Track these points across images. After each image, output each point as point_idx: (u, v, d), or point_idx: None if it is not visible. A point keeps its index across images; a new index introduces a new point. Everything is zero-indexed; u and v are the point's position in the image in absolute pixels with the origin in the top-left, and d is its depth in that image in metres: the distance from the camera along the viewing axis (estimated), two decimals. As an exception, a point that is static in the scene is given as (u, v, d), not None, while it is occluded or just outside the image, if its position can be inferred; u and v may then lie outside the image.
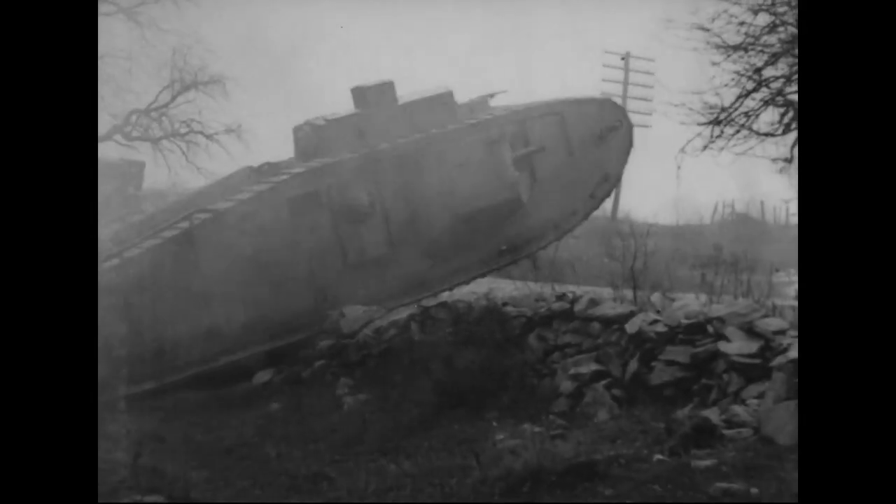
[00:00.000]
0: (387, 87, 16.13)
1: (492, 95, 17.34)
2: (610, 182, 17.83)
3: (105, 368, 10.23)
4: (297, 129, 16.31)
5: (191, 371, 13.91)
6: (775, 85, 12.53)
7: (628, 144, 17.62)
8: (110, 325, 11.72)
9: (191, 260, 14.05)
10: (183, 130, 23.37)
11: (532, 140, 16.50)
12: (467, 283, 16.33)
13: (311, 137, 15.93)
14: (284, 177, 15.08)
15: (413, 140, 15.66)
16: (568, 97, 17.54)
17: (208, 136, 23.16)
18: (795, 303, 11.47)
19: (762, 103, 12.69)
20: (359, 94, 16.23)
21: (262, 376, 14.35)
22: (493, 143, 15.80)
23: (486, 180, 15.47)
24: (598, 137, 16.98)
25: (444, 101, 16.33)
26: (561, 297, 11.94)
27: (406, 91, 16.53)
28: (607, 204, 28.82)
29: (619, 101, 38.13)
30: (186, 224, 14.16)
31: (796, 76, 12.27)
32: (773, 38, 12.38)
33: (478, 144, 15.76)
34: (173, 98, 23.56)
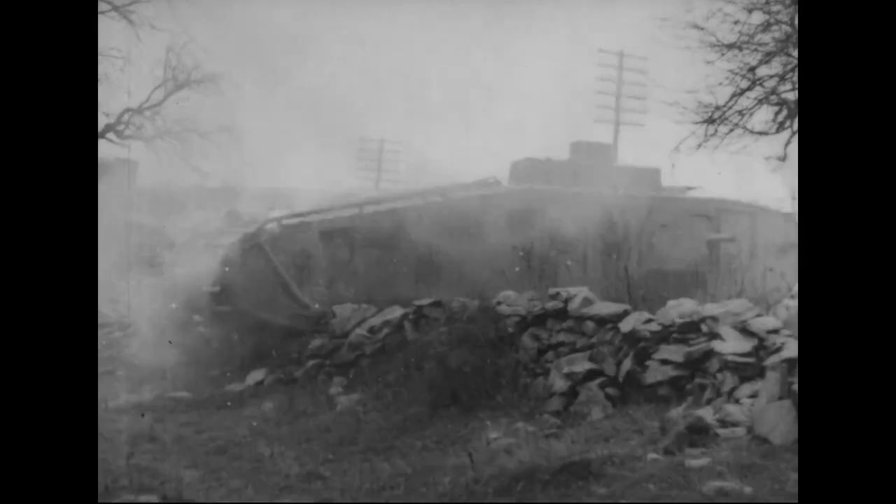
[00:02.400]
0: (605, 148, 19.47)
1: (689, 188, 19.52)
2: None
3: None
4: (516, 163, 18.62)
5: None
6: (769, 83, 12.52)
7: None
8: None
9: None
10: (176, 129, 23.30)
11: (723, 230, 17.89)
12: None
13: (528, 170, 18.12)
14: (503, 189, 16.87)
15: (624, 195, 17.34)
16: (760, 203, 19.21)
17: (202, 135, 23.06)
18: (789, 301, 11.48)
19: (756, 102, 12.69)
20: (578, 147, 19.16)
21: (255, 376, 14.33)
22: (694, 217, 17.51)
23: (684, 247, 16.67)
24: (779, 249, 17.87)
25: (651, 174, 18.96)
26: (555, 295, 11.91)
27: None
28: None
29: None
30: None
31: (790, 75, 12.27)
32: (767, 37, 12.37)
33: (682, 214, 17.53)
34: (166, 97, 23.49)
